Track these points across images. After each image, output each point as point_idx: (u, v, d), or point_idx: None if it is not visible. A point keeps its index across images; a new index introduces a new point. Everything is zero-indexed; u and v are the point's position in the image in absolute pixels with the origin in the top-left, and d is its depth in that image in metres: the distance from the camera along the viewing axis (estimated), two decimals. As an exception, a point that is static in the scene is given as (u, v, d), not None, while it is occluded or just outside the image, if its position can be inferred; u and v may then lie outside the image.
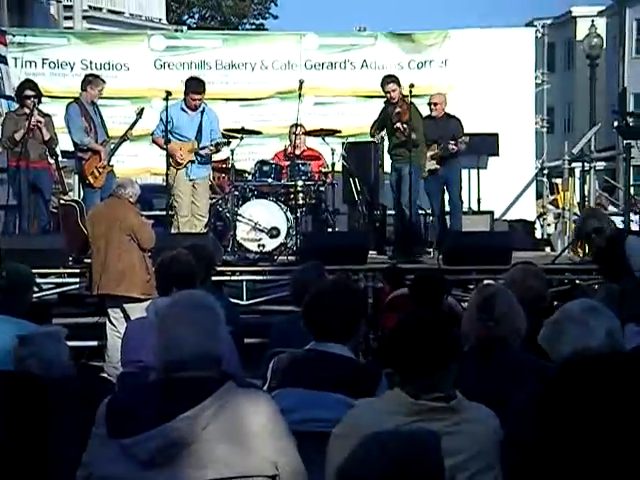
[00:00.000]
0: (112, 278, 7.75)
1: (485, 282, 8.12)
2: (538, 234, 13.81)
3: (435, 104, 10.16)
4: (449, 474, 2.16)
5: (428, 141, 9.95)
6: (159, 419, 2.57)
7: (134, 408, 2.64)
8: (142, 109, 9.99)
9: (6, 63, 11.88)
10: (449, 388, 2.78)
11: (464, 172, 10.72)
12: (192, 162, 9.53)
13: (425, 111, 10.22)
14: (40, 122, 9.28)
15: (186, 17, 37.60)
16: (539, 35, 13.38)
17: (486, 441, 2.79)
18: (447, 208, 10.32)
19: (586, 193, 11.42)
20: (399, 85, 9.86)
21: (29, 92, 9.40)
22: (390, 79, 10.00)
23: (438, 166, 10.03)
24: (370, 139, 10.39)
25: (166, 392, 2.63)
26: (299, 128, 10.39)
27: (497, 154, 11.64)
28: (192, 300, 2.76)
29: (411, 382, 2.76)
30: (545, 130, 14.06)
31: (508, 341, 3.69)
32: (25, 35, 12.57)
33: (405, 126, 9.55)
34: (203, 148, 9.50)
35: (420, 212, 10.51)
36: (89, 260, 8.31)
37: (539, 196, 14.06)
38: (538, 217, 13.95)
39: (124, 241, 7.75)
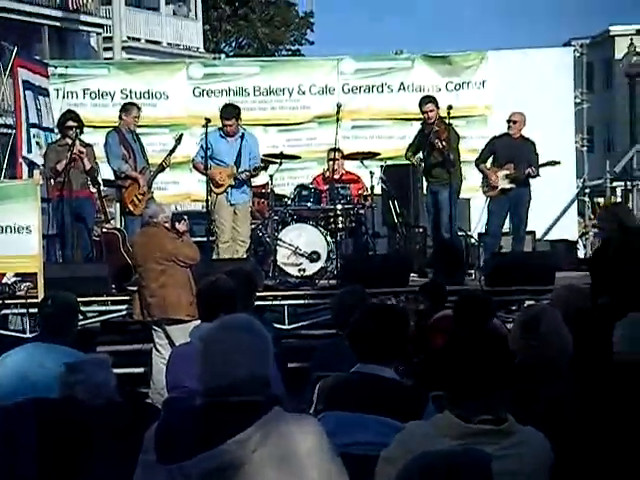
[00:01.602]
0: (156, 304, 7.79)
1: (527, 303, 8.07)
2: (581, 254, 13.68)
3: (515, 122, 9.94)
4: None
5: (502, 159, 9.84)
6: (208, 443, 2.56)
7: (183, 433, 2.63)
8: (181, 135, 10.09)
9: (47, 95, 12.02)
10: (500, 411, 2.74)
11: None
12: (232, 187, 9.59)
13: (463, 132, 10.21)
14: (82, 152, 9.40)
15: (223, 45, 37.98)
16: (577, 54, 13.30)
17: (537, 464, 2.74)
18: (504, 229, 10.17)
19: (629, 212, 11.29)
20: (437, 106, 9.88)
21: (71, 123, 9.53)
22: (428, 99, 10.03)
23: (513, 186, 9.85)
24: (408, 162, 10.38)
25: (214, 416, 2.62)
26: (337, 152, 10.42)
27: (537, 175, 11.56)
28: (240, 324, 2.75)
29: (461, 404, 2.72)
30: (585, 149, 13.95)
31: (554, 360, 3.65)
32: (66, 67, 12.72)
33: (444, 143, 9.53)
34: (242, 172, 9.56)
35: (460, 234, 10.46)
36: (133, 288, 8.37)
37: (581, 215, 13.94)
38: (580, 237, 13.82)
39: (165, 267, 7.78)
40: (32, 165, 11.06)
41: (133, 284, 8.42)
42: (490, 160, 10.08)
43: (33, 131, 11.42)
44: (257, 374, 2.67)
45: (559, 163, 10.07)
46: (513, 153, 9.85)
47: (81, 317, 7.34)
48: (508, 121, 10.06)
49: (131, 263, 8.53)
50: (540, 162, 9.89)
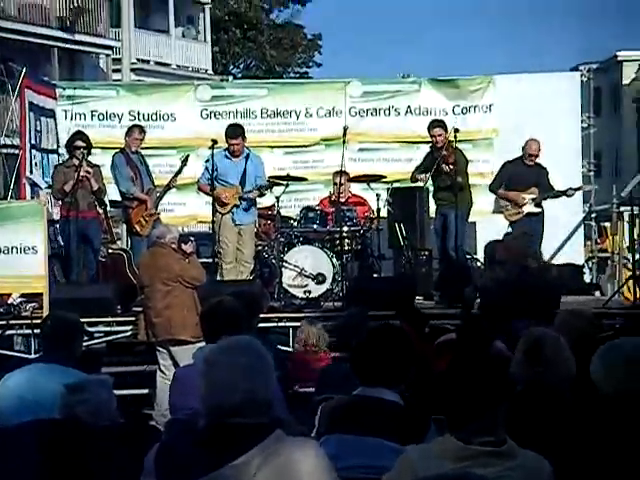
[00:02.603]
0: (161, 325, 7.79)
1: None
2: (587, 278, 13.64)
3: (536, 156, 10.29)
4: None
5: (521, 184, 10.14)
6: (208, 467, 2.55)
7: (183, 456, 2.62)
8: (187, 156, 10.15)
9: (52, 117, 12.04)
10: (500, 433, 2.73)
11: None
12: (237, 207, 9.61)
13: (468, 155, 10.28)
14: (89, 173, 9.45)
15: (231, 67, 38.17)
16: (584, 79, 13.33)
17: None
18: None
19: (636, 237, 11.27)
20: (446, 130, 9.92)
21: (79, 143, 9.60)
22: (437, 123, 10.10)
23: (540, 210, 10.20)
24: (415, 184, 10.39)
25: (215, 439, 2.61)
26: (344, 175, 10.44)
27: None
28: (242, 346, 2.74)
29: (462, 427, 2.72)
30: (592, 174, 13.95)
31: (557, 385, 3.63)
32: (75, 88, 12.78)
33: (451, 167, 9.58)
34: (247, 192, 9.59)
35: (467, 257, 10.45)
36: (138, 308, 8.37)
37: (587, 240, 13.92)
38: (586, 261, 13.79)
39: (172, 288, 7.79)
40: (35, 186, 11.13)
41: (138, 305, 8.42)
42: (503, 186, 10.26)
43: (33, 152, 11.49)
44: (257, 396, 2.65)
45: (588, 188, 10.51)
46: (533, 179, 10.18)
47: (87, 337, 7.33)
48: (528, 153, 10.20)
49: (136, 284, 8.54)
50: (575, 187, 10.49)
